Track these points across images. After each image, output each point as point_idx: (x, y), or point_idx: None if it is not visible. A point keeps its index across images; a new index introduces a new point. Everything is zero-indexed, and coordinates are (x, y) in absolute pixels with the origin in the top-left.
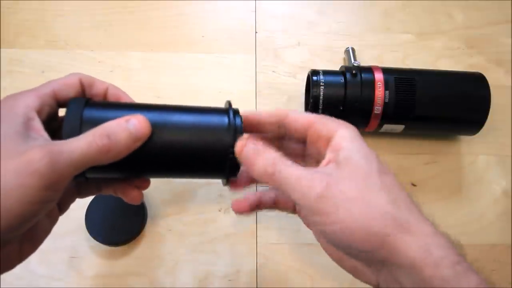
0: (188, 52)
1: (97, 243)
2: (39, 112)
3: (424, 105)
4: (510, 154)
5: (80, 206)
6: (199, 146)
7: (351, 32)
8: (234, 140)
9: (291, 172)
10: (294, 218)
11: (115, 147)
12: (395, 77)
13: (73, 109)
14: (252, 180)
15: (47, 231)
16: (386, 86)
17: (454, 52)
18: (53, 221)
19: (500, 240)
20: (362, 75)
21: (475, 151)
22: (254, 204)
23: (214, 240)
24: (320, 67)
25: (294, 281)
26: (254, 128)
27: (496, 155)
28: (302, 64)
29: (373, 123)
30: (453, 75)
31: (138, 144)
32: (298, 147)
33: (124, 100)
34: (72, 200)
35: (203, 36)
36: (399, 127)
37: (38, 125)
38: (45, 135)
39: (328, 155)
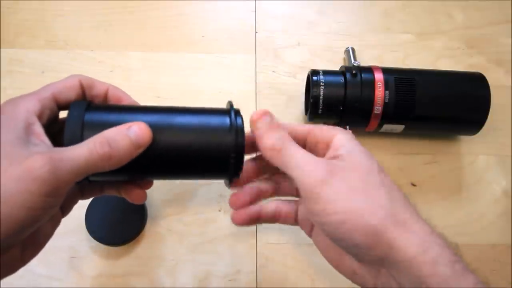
0: (188, 52)
1: (97, 243)
2: (39, 116)
3: (424, 105)
4: (510, 154)
5: (80, 206)
6: (201, 148)
7: (351, 32)
8: (236, 141)
9: (297, 152)
10: None
11: (116, 155)
12: (395, 77)
13: (74, 114)
14: (251, 177)
15: (49, 235)
16: (386, 86)
17: (454, 52)
18: (56, 224)
19: (500, 240)
20: (362, 75)
21: (475, 151)
22: (254, 216)
23: (214, 240)
24: (320, 67)
25: (294, 281)
26: (255, 149)
27: (496, 155)
28: (302, 64)
29: (373, 123)
30: (453, 75)
31: (140, 151)
32: None
33: (125, 100)
34: (75, 202)
35: (203, 36)
36: (399, 127)
37: (39, 129)
38: (46, 140)
39: (329, 154)
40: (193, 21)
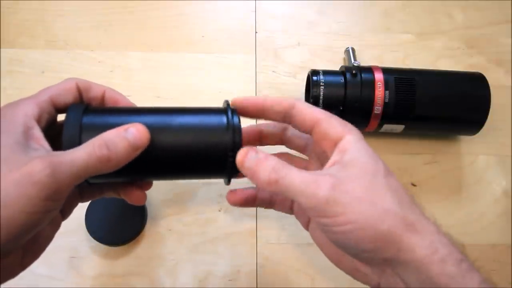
0: (188, 52)
1: (97, 243)
2: (38, 120)
3: (424, 105)
4: (510, 154)
5: (80, 206)
6: (199, 148)
7: (351, 32)
8: (234, 139)
9: (294, 177)
10: (294, 218)
11: (114, 157)
12: (395, 77)
13: (72, 117)
14: (252, 142)
15: (49, 238)
16: (386, 86)
17: (454, 52)
18: (56, 227)
19: (500, 240)
20: (362, 75)
21: (475, 151)
22: (250, 198)
23: (214, 240)
24: (320, 67)
25: (294, 281)
26: (260, 114)
27: (496, 155)
28: (302, 64)
29: (373, 123)
30: (453, 75)
31: (138, 152)
32: (301, 141)
33: (122, 102)
34: (75, 205)
35: (203, 36)
36: (399, 127)
37: (38, 133)
38: (45, 144)
39: (334, 157)
40: (193, 21)
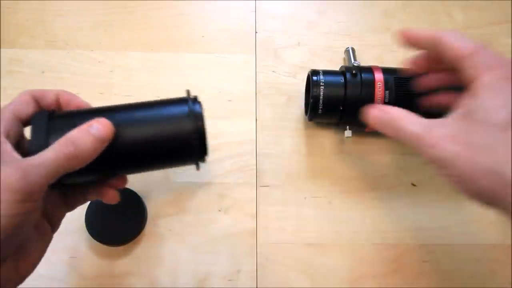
0: (188, 52)
1: (97, 243)
2: (7, 136)
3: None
4: None
5: (80, 206)
6: (164, 136)
7: (351, 32)
8: (196, 125)
9: (411, 130)
10: (294, 218)
11: (81, 153)
12: (395, 77)
13: (37, 124)
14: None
15: (41, 250)
16: (386, 86)
17: None
18: (46, 239)
19: (500, 240)
20: (362, 75)
21: None
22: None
23: (214, 240)
24: (320, 67)
25: (294, 281)
26: (412, 42)
27: None
28: (302, 64)
29: None
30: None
31: (104, 145)
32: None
33: (77, 102)
34: (62, 215)
35: (203, 36)
36: None
37: (8, 147)
38: (16, 155)
39: (462, 101)
40: (193, 21)
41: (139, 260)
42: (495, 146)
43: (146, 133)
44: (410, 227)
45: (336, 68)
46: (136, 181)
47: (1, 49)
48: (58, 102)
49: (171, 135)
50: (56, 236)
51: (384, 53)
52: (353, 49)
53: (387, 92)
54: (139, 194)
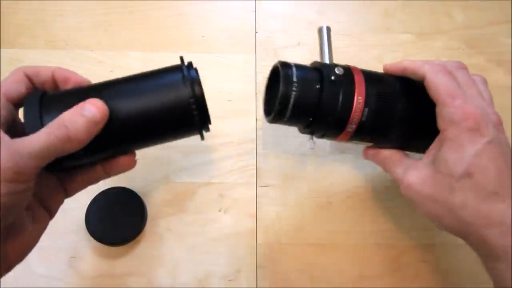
0: (188, 52)
1: (97, 243)
2: None
3: (402, 128)
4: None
5: (80, 206)
6: (161, 108)
7: (351, 32)
8: (193, 91)
9: (393, 172)
10: (294, 218)
11: (74, 135)
12: (378, 93)
13: (29, 108)
14: None
15: (34, 237)
16: (367, 102)
17: (454, 52)
18: (40, 226)
19: None
20: (342, 85)
21: None
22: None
23: (214, 240)
24: None
25: (294, 281)
26: (396, 72)
27: None
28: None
29: (343, 137)
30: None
31: (100, 126)
32: None
33: (73, 79)
34: (60, 202)
35: (203, 36)
36: (368, 144)
37: None
38: (6, 137)
39: (432, 145)
40: (193, 21)
41: (139, 260)
42: (453, 193)
43: (143, 106)
44: (410, 227)
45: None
46: (136, 181)
47: (1, 49)
48: (53, 80)
49: (168, 105)
50: (56, 236)
51: (384, 53)
52: (328, 29)
53: (366, 109)
54: (139, 194)
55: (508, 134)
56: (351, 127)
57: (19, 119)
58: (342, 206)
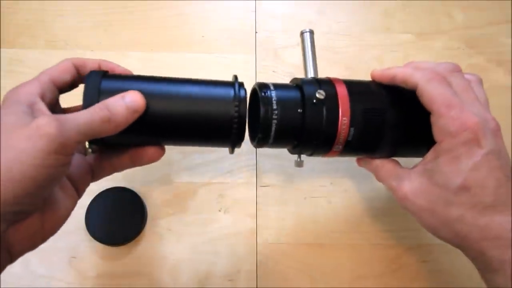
0: (188, 52)
1: (97, 243)
2: (41, 98)
3: (389, 143)
4: (510, 154)
5: (80, 206)
6: (204, 116)
7: (351, 32)
8: (239, 109)
9: (387, 182)
10: (294, 218)
11: (114, 118)
12: (364, 109)
13: (91, 82)
14: None
15: (67, 209)
16: (352, 121)
17: (454, 52)
18: (71, 201)
19: None
20: (325, 107)
21: None
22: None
23: (214, 240)
24: (320, 67)
25: (294, 281)
26: (385, 81)
27: None
28: (302, 64)
29: (331, 155)
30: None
31: (136, 115)
32: None
33: (119, 71)
34: (87, 183)
35: (203, 36)
36: (355, 157)
37: (42, 107)
38: (50, 113)
39: (428, 155)
40: (193, 21)
41: (139, 260)
42: (449, 206)
43: (190, 108)
44: (410, 227)
45: (338, 68)
46: (136, 181)
47: (1, 49)
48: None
49: (213, 114)
50: (56, 236)
51: (384, 53)
52: (311, 33)
53: (352, 129)
54: (139, 194)
55: (508, 134)
56: (338, 147)
57: (59, 104)
58: (342, 206)
